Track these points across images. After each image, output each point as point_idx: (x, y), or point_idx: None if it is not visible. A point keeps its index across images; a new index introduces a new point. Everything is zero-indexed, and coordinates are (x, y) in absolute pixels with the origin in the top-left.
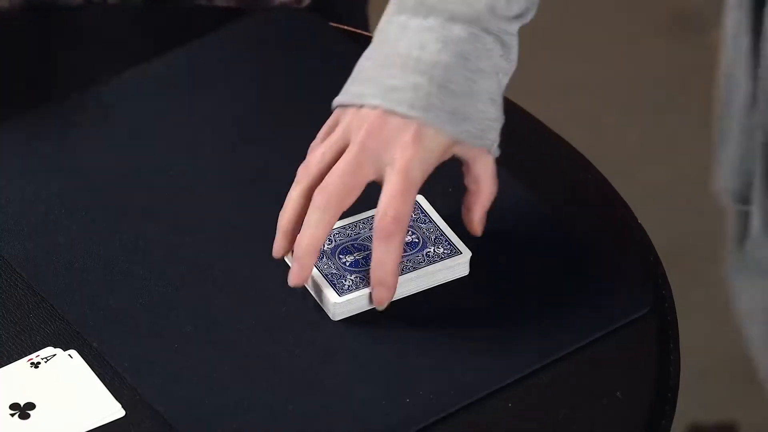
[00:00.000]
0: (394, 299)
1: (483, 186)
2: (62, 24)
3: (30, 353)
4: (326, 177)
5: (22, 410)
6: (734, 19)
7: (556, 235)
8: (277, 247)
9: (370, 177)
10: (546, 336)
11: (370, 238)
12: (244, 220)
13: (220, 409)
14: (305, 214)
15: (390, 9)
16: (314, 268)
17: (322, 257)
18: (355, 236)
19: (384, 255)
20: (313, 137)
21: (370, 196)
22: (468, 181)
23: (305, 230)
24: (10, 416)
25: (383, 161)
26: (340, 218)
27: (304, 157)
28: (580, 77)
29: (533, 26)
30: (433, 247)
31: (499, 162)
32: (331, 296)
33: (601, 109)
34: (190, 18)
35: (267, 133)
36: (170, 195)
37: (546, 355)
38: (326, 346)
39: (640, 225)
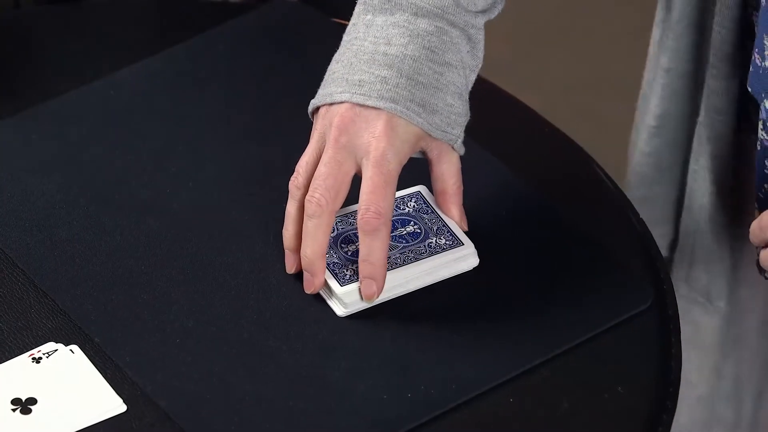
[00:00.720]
0: (399, 295)
1: (448, 185)
2: (66, 18)
3: (31, 348)
4: (312, 184)
5: (24, 405)
6: (656, 35)
7: (556, 230)
8: (289, 264)
9: (352, 171)
10: (547, 331)
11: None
12: (245, 215)
13: (222, 403)
14: None
15: (357, 10)
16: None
17: None
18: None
19: (370, 249)
20: None
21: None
22: (433, 180)
23: (305, 241)
24: (11, 411)
25: (359, 154)
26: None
27: (303, 151)
28: (583, 73)
29: (535, 22)
30: (435, 238)
31: (501, 158)
32: (333, 286)
33: (603, 105)
34: (198, 13)
35: (268, 127)
36: (171, 190)
37: (547, 350)
38: (327, 342)
39: (641, 220)
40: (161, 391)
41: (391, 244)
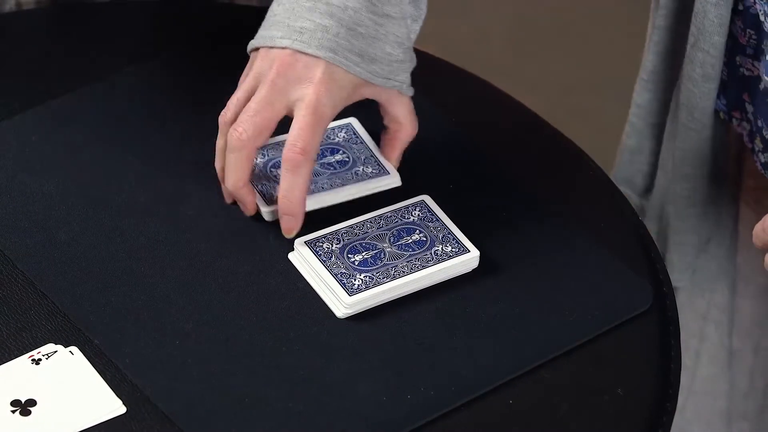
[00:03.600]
0: (399, 296)
1: (403, 124)
2: (66, 19)
3: (31, 350)
4: (238, 118)
5: (23, 407)
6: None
7: (556, 231)
8: (225, 196)
9: (281, 113)
10: (546, 332)
11: (378, 237)
12: (245, 217)
13: (222, 405)
14: None
15: None
16: (324, 268)
17: (331, 257)
18: (363, 235)
19: (292, 185)
20: None
21: (377, 195)
22: (387, 121)
23: (227, 173)
24: (11, 413)
25: (293, 98)
26: (349, 218)
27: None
28: (582, 75)
29: (534, 24)
30: (441, 246)
31: (500, 159)
32: (342, 296)
33: (602, 105)
34: (199, 13)
35: None
36: (171, 192)
37: (547, 352)
38: (327, 343)
39: (641, 222)
40: (161, 393)
41: (317, 170)
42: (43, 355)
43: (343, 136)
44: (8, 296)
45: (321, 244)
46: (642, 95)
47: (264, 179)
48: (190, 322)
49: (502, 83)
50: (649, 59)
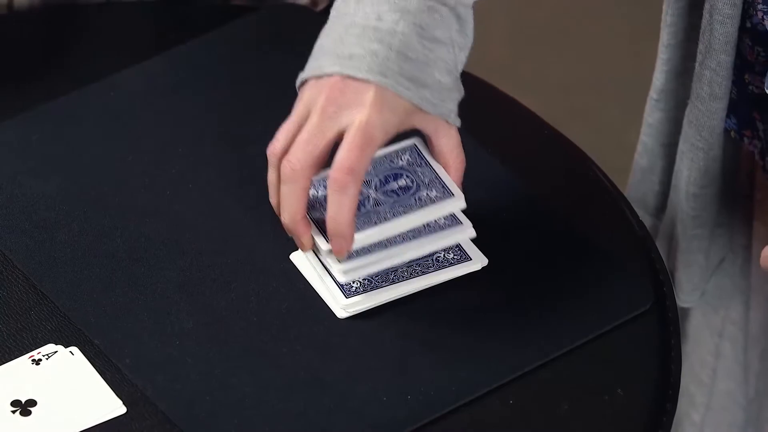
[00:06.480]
0: (400, 296)
1: (449, 158)
2: (65, 20)
3: (31, 350)
4: (290, 149)
5: (24, 407)
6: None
7: (556, 231)
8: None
9: (333, 141)
10: (547, 333)
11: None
12: (245, 217)
13: (222, 405)
14: None
15: None
16: (324, 269)
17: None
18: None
19: (340, 206)
20: None
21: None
22: (434, 155)
23: (282, 206)
24: (11, 413)
25: (344, 123)
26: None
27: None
28: (582, 75)
29: (534, 24)
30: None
31: (500, 160)
32: (339, 297)
33: (602, 106)
34: (198, 14)
35: (269, 130)
36: (171, 192)
37: (547, 352)
38: (327, 343)
39: (641, 222)
40: (161, 393)
41: (380, 199)
42: (44, 356)
43: (407, 159)
44: (8, 296)
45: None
46: (653, 114)
47: (319, 212)
48: (190, 322)
49: (502, 83)
50: (659, 78)
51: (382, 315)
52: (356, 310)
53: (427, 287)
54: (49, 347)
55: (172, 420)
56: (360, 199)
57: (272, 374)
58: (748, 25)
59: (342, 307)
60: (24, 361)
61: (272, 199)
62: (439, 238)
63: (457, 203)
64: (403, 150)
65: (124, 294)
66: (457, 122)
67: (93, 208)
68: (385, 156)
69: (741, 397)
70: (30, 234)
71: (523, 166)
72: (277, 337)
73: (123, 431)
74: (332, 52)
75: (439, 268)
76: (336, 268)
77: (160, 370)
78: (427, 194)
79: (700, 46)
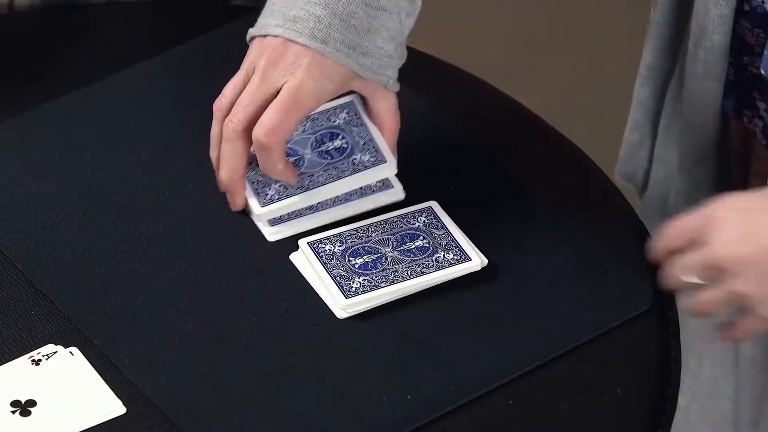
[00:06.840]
0: (400, 296)
1: (385, 120)
2: (65, 20)
3: (31, 350)
4: (232, 109)
5: (24, 407)
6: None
7: (556, 232)
8: (218, 184)
9: (270, 101)
10: (547, 333)
11: (381, 242)
12: (244, 216)
13: (221, 405)
14: None
15: None
16: (323, 269)
17: (332, 259)
18: (367, 239)
19: (265, 164)
20: None
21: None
22: (371, 118)
23: (222, 163)
24: (11, 413)
25: (280, 84)
26: (353, 221)
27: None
28: (581, 75)
29: (533, 24)
30: (443, 253)
31: (500, 160)
32: (338, 297)
33: (602, 106)
34: (198, 14)
35: None
36: (171, 192)
37: (547, 352)
38: (327, 343)
39: (641, 222)
40: (161, 393)
41: (315, 160)
42: (43, 356)
43: (345, 117)
44: (8, 297)
45: (323, 245)
46: (642, 91)
47: (259, 176)
48: (189, 322)
49: (502, 83)
50: (647, 54)
51: (382, 315)
52: (356, 311)
53: (427, 287)
54: (49, 347)
55: (172, 420)
56: (295, 159)
57: (272, 374)
58: (747, 8)
59: (342, 307)
60: (24, 361)
61: (212, 154)
62: (362, 179)
63: (388, 169)
64: (342, 107)
65: (123, 294)
66: (396, 87)
67: (93, 208)
68: (323, 111)
69: (728, 386)
70: (30, 234)
71: (522, 166)
72: (277, 337)
73: (123, 431)
74: (279, 12)
75: (439, 268)
76: (266, 230)
77: (160, 370)
78: (361, 157)
79: (694, 27)
